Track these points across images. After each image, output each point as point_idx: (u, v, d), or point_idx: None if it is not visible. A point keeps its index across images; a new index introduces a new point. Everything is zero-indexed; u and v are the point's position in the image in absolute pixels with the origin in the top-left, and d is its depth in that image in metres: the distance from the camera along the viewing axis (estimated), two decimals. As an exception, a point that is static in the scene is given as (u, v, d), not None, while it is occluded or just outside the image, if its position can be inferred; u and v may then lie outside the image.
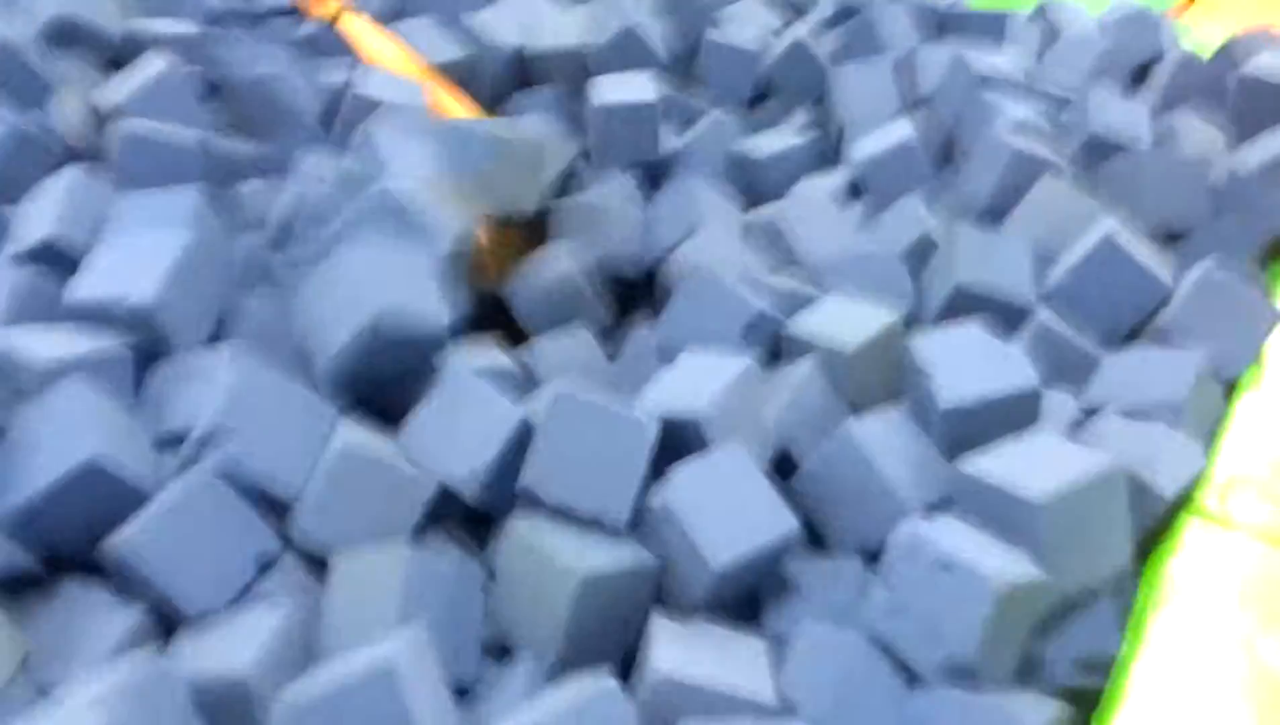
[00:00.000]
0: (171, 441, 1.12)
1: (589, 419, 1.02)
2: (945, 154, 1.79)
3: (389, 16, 2.01)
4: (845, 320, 1.24)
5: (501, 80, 1.90)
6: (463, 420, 1.07)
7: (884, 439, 1.09)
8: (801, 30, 1.98)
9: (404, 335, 1.10)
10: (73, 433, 1.04)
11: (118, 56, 1.72)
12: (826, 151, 1.85)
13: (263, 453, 1.07)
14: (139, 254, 1.20)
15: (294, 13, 1.99)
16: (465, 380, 1.10)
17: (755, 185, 1.81)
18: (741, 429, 1.07)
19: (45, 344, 1.13)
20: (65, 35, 1.64)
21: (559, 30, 1.95)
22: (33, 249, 1.27)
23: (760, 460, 1.08)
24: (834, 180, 1.72)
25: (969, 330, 1.16)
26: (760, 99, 2.01)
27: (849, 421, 1.10)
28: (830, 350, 1.20)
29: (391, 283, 1.11)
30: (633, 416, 1.01)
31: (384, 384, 1.14)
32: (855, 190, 1.69)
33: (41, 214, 1.31)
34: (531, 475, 1.03)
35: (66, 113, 1.50)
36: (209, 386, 1.13)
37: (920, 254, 1.48)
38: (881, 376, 1.21)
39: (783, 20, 2.15)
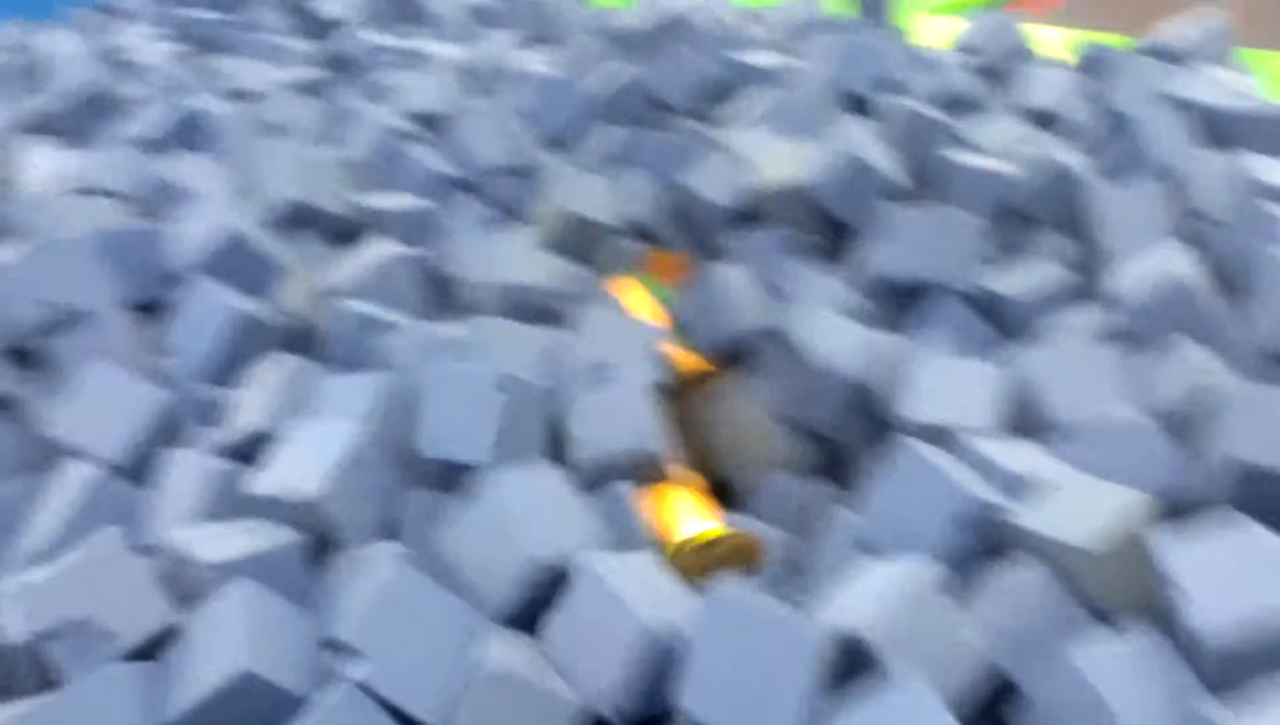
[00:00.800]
0: (334, 644, 1.06)
1: (749, 628, 0.88)
2: (1225, 288, 1.52)
3: (599, 166, 1.96)
4: (1088, 508, 1.02)
5: (717, 229, 1.80)
6: (596, 633, 0.95)
7: (1122, 669, 0.86)
8: (1054, 146, 1.76)
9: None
10: (232, 640, 1.02)
11: (349, 233, 1.75)
12: (1083, 285, 1.62)
13: (407, 668, 0.99)
14: (313, 445, 1.17)
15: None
16: (596, 587, 0.98)
17: (1003, 323, 1.61)
18: (931, 654, 0.88)
19: (217, 543, 1.11)
20: (298, 218, 1.67)
21: (779, 165, 1.83)
22: (236, 444, 1.26)
23: (956, 693, 0.89)
24: (1091, 320, 1.49)
25: (1245, 531, 0.92)
26: (1006, 224, 1.80)
27: (1079, 644, 0.89)
28: (1066, 547, 0.99)
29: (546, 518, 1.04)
30: (795, 628, 0.86)
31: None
32: (1117, 332, 1.46)
33: (252, 404, 1.30)
34: (688, 693, 0.90)
35: (291, 297, 1.51)
36: (366, 586, 1.06)
37: (1193, 417, 1.23)
38: (1132, 582, 0.98)
39: (1031, 133, 1.94)
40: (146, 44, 2.66)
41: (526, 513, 1.07)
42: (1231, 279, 1.51)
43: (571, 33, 2.64)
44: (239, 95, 2.33)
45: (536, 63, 2.41)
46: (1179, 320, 1.38)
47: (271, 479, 1.16)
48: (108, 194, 1.93)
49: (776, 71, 2.23)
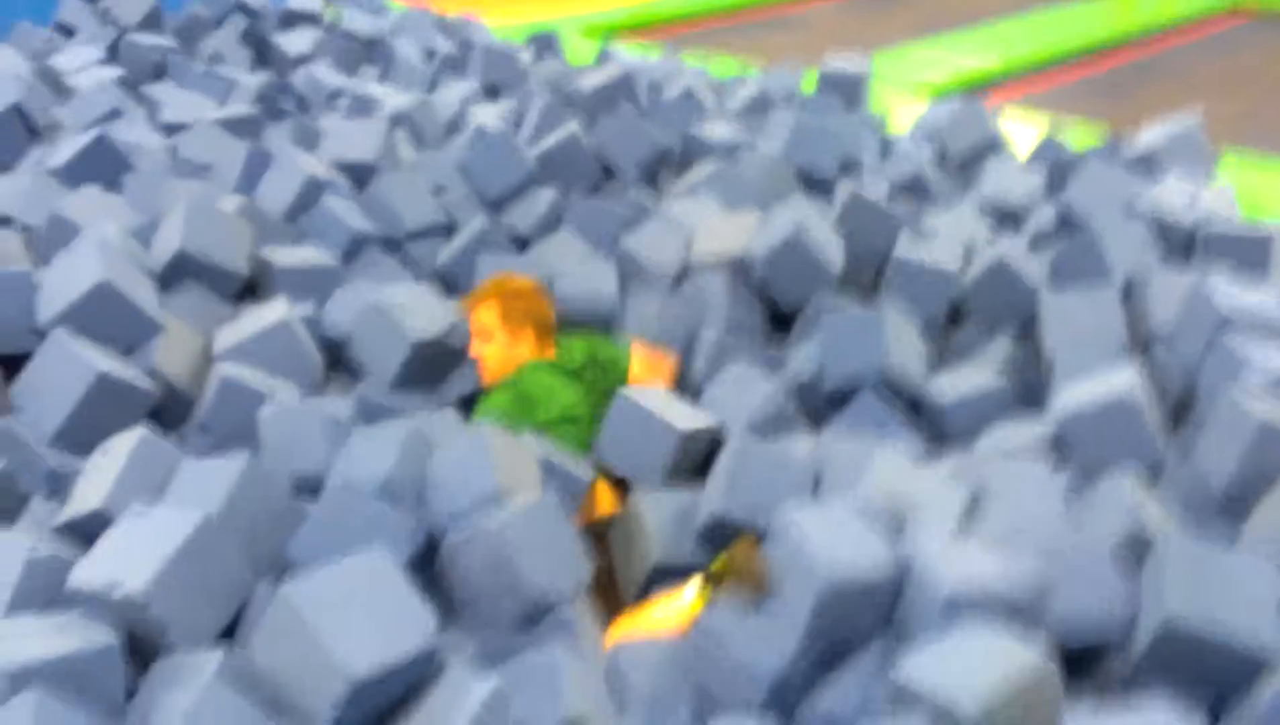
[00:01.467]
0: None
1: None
2: (1178, 413, 1.41)
3: (539, 232, 1.85)
4: (976, 662, 0.91)
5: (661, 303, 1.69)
6: None
7: None
8: (1009, 247, 1.67)
9: None
10: None
11: (245, 289, 1.63)
12: (1025, 394, 1.51)
13: None
14: (148, 535, 1.04)
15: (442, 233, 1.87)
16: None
17: (938, 430, 1.50)
18: None
19: (20, 644, 0.99)
20: (188, 271, 1.55)
21: (723, 235, 1.73)
22: (75, 520, 1.14)
23: None
24: (1031, 434, 1.38)
25: (1155, 713, 0.81)
26: (951, 325, 1.70)
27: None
28: (944, 710, 0.87)
29: None
30: None
31: None
32: (1059, 450, 1.35)
33: (97, 481, 1.18)
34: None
35: (165, 359, 1.38)
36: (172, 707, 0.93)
37: (1128, 556, 1.12)
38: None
39: (988, 229, 1.85)
40: (90, 68, 2.55)
41: (337, 619, 0.93)
42: (1181, 406, 1.40)
43: (528, 87, 2.55)
44: (170, 129, 2.22)
45: (487, 115, 2.32)
46: (1118, 444, 1.28)
47: (95, 571, 1.03)
48: (4, 223, 1.81)
49: (730, 145, 2.14)
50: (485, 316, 1.43)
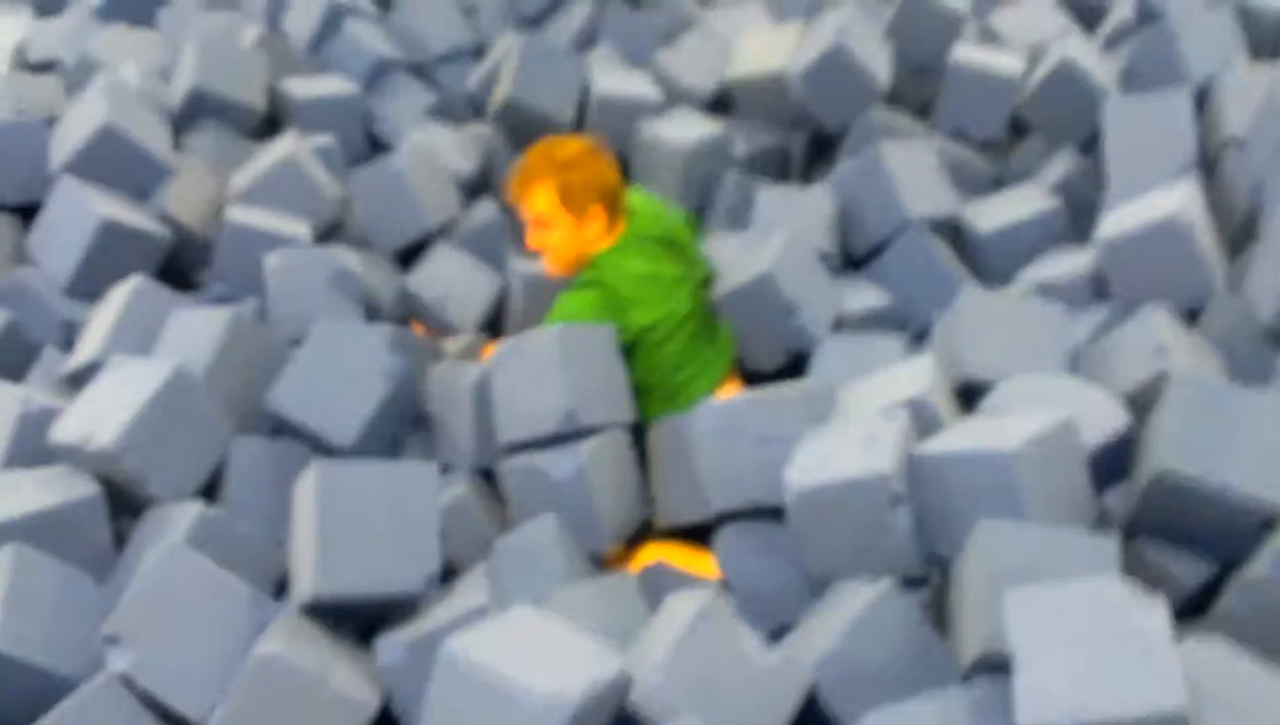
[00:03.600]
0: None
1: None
2: (1245, 231, 1.27)
3: (577, 45, 1.76)
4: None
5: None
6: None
7: None
8: (1078, 46, 1.50)
9: None
10: None
11: (266, 123, 1.60)
12: (1078, 217, 1.38)
13: (173, 659, 0.89)
14: (122, 388, 1.05)
15: (474, 53, 1.79)
16: None
17: (979, 263, 1.39)
18: None
19: (9, 496, 1.02)
20: (205, 108, 1.53)
21: (762, 53, 1.60)
22: (76, 372, 1.16)
23: None
24: (1075, 265, 1.27)
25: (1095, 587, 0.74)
26: (1018, 135, 1.56)
27: None
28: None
29: None
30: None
31: None
32: (1100, 281, 1.24)
33: (95, 333, 1.19)
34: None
35: (176, 203, 1.37)
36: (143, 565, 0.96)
37: (1146, 403, 1.03)
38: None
39: (1063, 25, 1.67)
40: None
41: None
42: (1248, 224, 1.26)
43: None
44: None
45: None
46: (1162, 272, 1.16)
47: (72, 425, 1.05)
48: (49, 68, 1.82)
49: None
50: (542, 201, 1.16)
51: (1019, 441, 0.86)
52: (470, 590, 0.94)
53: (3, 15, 2.00)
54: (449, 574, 1.04)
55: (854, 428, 0.93)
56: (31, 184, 1.43)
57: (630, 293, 1.16)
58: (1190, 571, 0.94)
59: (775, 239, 1.26)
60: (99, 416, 1.04)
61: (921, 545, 0.90)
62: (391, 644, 0.91)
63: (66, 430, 1.05)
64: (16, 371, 1.24)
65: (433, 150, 1.48)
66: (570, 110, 1.60)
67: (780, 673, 0.83)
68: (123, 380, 1.07)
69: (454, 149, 1.54)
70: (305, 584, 0.93)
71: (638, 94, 1.58)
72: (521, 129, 1.59)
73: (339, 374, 1.11)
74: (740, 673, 0.82)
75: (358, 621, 0.98)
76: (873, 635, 0.85)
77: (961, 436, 0.91)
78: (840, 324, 1.28)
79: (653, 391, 1.18)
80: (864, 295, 1.31)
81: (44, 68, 1.81)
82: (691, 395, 1.19)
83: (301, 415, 1.11)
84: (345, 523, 0.93)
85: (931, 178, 1.39)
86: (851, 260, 1.41)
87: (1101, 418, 0.99)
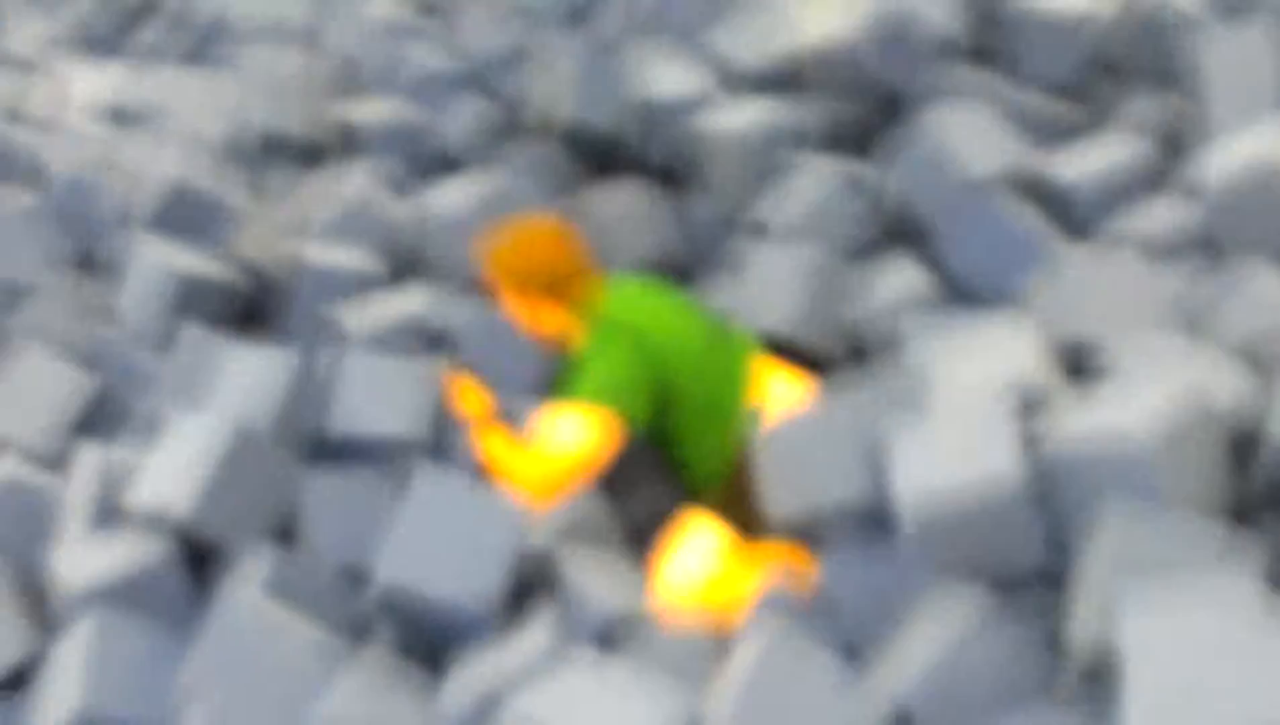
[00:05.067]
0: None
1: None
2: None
3: (626, 36, 1.71)
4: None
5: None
6: None
7: None
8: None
9: None
10: (75, 677, 0.95)
11: (322, 150, 1.58)
12: (1171, 165, 1.30)
13: (244, 714, 0.88)
14: (189, 446, 1.06)
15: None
16: None
17: (1062, 215, 1.31)
18: None
19: (85, 562, 1.03)
20: (269, 145, 1.53)
21: (820, 23, 1.54)
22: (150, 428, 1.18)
23: None
24: (1169, 217, 1.19)
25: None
26: (1089, 84, 1.47)
27: None
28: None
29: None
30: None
31: None
32: (1193, 238, 1.16)
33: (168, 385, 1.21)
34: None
35: (247, 244, 1.38)
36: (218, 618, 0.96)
37: (1265, 363, 0.96)
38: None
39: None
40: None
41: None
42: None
43: None
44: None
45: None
46: (1268, 222, 1.08)
47: (145, 490, 1.05)
48: (116, 117, 1.84)
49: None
50: (502, 285, 1.13)
51: (1154, 422, 0.78)
52: (537, 630, 0.91)
53: (86, 64, 2.03)
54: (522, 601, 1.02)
55: (960, 420, 0.86)
56: (102, 237, 1.44)
57: (648, 323, 1.11)
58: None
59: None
60: (169, 482, 1.04)
61: (1050, 536, 0.84)
62: (457, 694, 0.89)
63: (140, 497, 1.05)
64: (111, 429, 1.26)
65: None
66: (630, 121, 1.55)
67: (862, 705, 0.78)
68: (188, 441, 1.06)
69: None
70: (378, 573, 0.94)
71: (689, 92, 1.52)
72: (584, 144, 1.56)
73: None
74: (819, 709, 0.78)
75: (423, 646, 0.98)
76: (971, 653, 0.79)
77: (1087, 415, 0.84)
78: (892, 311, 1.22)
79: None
80: (904, 275, 1.25)
81: (122, 115, 1.83)
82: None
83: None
84: (428, 527, 0.95)
85: (992, 134, 1.31)
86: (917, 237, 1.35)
87: (1227, 380, 0.92)
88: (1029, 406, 0.90)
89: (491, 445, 1.10)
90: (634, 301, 1.14)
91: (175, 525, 1.02)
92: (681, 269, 1.51)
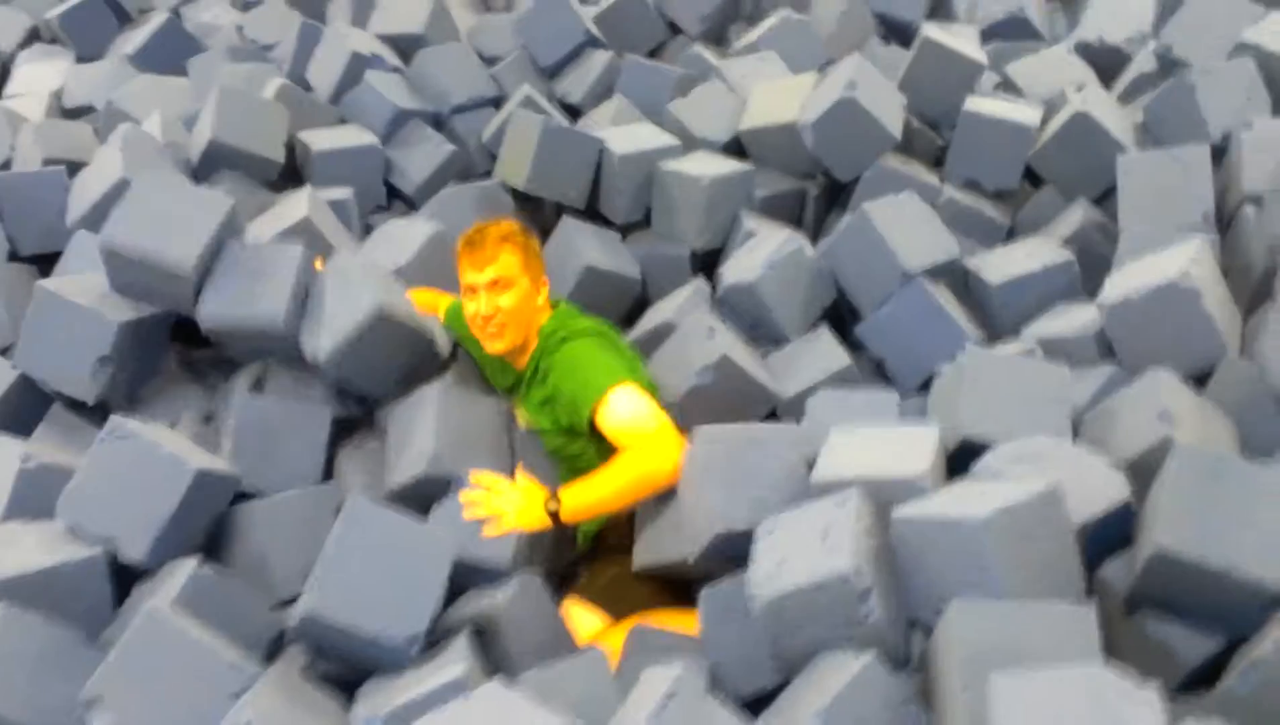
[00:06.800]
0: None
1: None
2: (1262, 290, 1.24)
3: (592, 101, 1.76)
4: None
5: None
6: None
7: None
8: (1095, 96, 1.48)
9: None
10: None
11: (286, 172, 1.61)
12: (1090, 272, 1.36)
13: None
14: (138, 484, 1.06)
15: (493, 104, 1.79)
16: None
17: (988, 314, 1.37)
18: None
19: (14, 551, 1.03)
20: (223, 160, 1.54)
21: (776, 104, 1.60)
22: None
23: None
24: (1085, 322, 1.24)
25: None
26: (1033, 185, 1.54)
27: None
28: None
29: None
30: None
31: None
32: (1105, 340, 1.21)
33: None
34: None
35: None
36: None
37: (1149, 470, 1.01)
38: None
39: (1081, 73, 1.64)
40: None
41: None
42: (1264, 284, 1.23)
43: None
44: (247, 4, 2.21)
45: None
46: (1169, 333, 1.13)
47: (86, 514, 1.05)
48: (85, 112, 1.86)
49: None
50: (507, 262, 1.19)
51: (991, 509, 0.84)
52: (452, 660, 0.93)
53: (43, 61, 2.05)
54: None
55: (809, 516, 0.91)
56: (52, 235, 1.45)
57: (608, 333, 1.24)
58: (1192, 647, 0.91)
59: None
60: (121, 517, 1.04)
61: (904, 613, 0.88)
62: (367, 713, 0.90)
63: (80, 520, 1.05)
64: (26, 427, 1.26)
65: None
66: (583, 189, 1.58)
67: None
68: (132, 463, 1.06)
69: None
70: (304, 602, 0.95)
71: (656, 145, 1.57)
72: (533, 200, 1.60)
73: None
74: None
75: (339, 675, 0.98)
76: (855, 713, 0.82)
77: (942, 501, 0.89)
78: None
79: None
80: (828, 359, 1.31)
81: (80, 113, 1.85)
82: None
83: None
84: (356, 558, 0.95)
85: (926, 227, 1.37)
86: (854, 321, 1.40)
87: (1100, 486, 0.96)
88: (899, 500, 0.93)
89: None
90: (591, 320, 1.26)
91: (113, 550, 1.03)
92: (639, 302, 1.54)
